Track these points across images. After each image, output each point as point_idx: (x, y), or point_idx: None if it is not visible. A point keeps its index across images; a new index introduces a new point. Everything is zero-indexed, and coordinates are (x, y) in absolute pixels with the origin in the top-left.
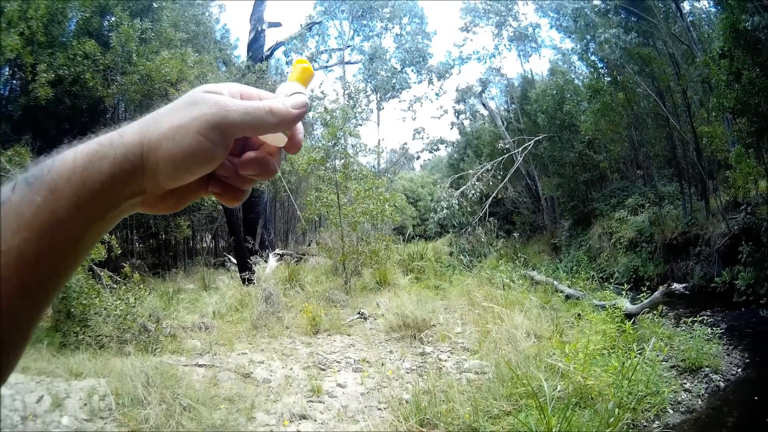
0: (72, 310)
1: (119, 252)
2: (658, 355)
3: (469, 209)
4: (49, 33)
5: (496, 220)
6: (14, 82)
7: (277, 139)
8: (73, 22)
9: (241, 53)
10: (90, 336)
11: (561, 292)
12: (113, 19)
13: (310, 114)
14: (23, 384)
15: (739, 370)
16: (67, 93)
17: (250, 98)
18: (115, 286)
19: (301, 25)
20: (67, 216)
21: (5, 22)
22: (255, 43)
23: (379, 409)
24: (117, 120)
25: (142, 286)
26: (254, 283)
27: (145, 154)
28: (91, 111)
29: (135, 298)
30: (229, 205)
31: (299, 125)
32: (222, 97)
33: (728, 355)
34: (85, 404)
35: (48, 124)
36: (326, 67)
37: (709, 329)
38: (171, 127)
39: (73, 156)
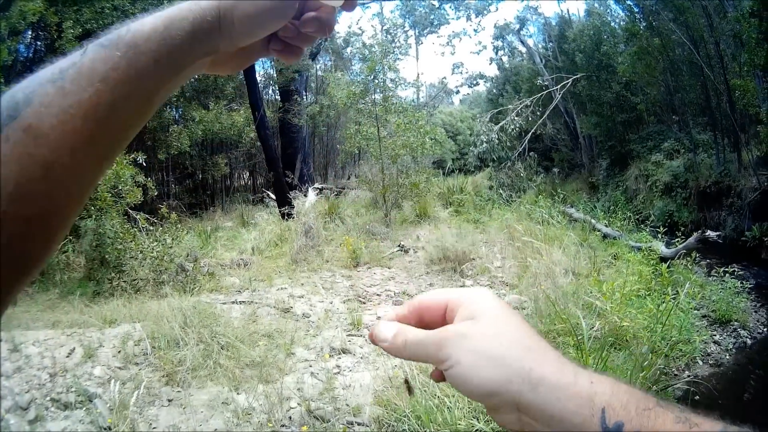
0: (107, 256)
1: (155, 194)
2: (690, 302)
3: (508, 144)
4: None
5: (535, 155)
6: (38, 43)
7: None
8: None
9: None
10: (125, 281)
11: (598, 230)
12: None
13: (348, 49)
14: (53, 339)
15: (766, 329)
16: None
17: None
18: (151, 228)
19: None
20: (145, 69)
21: None
22: None
23: None
24: None
25: (179, 226)
26: (294, 218)
27: (222, 15)
28: None
29: (172, 239)
30: (289, 61)
31: None
32: None
33: (756, 312)
34: (119, 351)
35: None
36: (363, 3)
37: (738, 282)
38: None
39: (153, 19)
